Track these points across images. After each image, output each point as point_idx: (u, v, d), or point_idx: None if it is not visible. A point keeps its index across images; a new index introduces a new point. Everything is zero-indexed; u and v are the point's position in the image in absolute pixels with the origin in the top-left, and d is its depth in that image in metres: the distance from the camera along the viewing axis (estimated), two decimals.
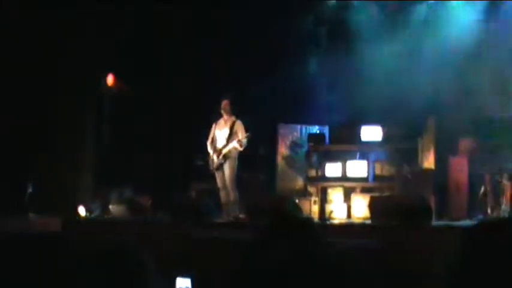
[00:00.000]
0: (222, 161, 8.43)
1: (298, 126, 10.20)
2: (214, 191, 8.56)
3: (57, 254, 1.66)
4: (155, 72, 10.12)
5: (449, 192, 8.20)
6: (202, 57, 10.03)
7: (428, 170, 8.68)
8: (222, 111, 8.52)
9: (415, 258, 6.04)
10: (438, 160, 8.53)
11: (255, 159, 9.64)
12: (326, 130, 9.81)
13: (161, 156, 10.31)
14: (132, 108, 10.10)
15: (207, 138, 8.62)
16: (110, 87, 9.89)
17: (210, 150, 8.55)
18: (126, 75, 9.99)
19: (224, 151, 8.42)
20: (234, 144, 8.28)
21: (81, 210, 8.94)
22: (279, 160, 10.06)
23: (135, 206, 8.56)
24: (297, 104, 9.95)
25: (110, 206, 8.76)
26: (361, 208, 8.42)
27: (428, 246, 6.06)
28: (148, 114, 10.26)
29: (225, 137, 8.49)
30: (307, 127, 10.15)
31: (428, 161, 8.78)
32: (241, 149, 8.30)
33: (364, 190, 9.00)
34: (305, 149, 9.92)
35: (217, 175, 8.52)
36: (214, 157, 8.49)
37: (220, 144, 8.52)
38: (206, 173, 8.71)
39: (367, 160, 9.13)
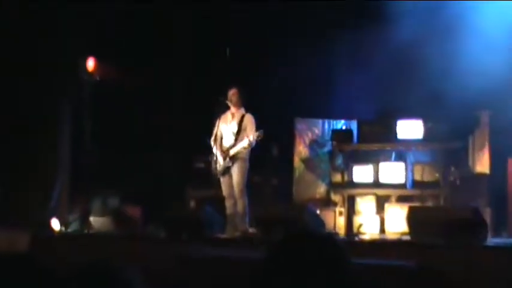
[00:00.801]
0: (230, 164, 8.34)
1: (320, 121, 10.23)
2: (218, 200, 8.54)
3: (24, 279, 1.65)
4: (148, 56, 10.08)
5: (508, 202, 8.18)
6: (205, 39, 10.12)
7: (482, 175, 8.70)
8: (229, 103, 8.42)
9: (465, 285, 5.96)
10: (494, 162, 8.54)
11: (267, 161, 9.74)
12: (354, 125, 9.81)
13: (154, 158, 10.28)
14: (119, 99, 10.03)
15: (210, 136, 8.55)
16: (91, 74, 9.81)
17: (214, 150, 8.47)
18: (112, 59, 9.91)
19: (232, 152, 8.34)
20: (244, 143, 8.21)
21: (55, 224, 8.91)
22: (296, 162, 10.10)
23: (122, 218, 8.58)
24: (318, 94, 9.92)
25: (91, 218, 8.72)
26: (397, 221, 8.46)
27: (482, 269, 5.99)
28: (138, 107, 10.26)
29: (233, 133, 8.41)
30: (331, 122, 10.20)
31: (482, 164, 8.80)
32: (248, 147, 8.23)
33: (401, 199, 9.02)
34: (328, 148, 9.98)
35: (223, 180, 8.43)
36: (220, 159, 8.42)
37: (227, 143, 8.45)
38: (208, 178, 8.72)
39: (405, 162, 9.11)
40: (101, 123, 9.93)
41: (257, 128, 8.26)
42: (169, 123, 10.43)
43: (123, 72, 9.92)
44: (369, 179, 9.19)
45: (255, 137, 8.10)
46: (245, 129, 8.34)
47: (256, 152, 8.41)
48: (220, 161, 8.41)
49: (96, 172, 9.62)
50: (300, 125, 10.16)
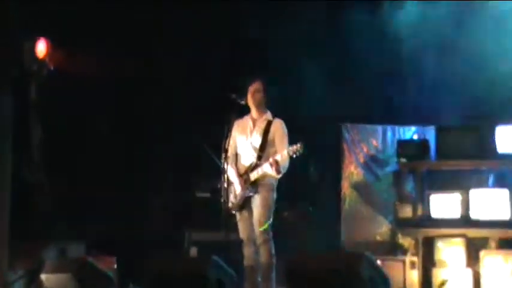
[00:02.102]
0: (250, 193, 8.12)
1: (379, 128, 10.42)
2: (231, 246, 8.20)
3: None
4: (127, 35, 10.15)
5: None
6: (211, 11, 10.21)
7: None
8: (249, 103, 8.21)
9: None
10: None
11: (302, 188, 9.86)
12: (430, 134, 9.85)
13: (136, 185, 10.32)
14: (84, 97, 9.99)
15: (219, 151, 8.25)
16: (41, 61, 9.72)
17: (227, 171, 8.17)
18: (73, 40, 9.84)
19: (254, 175, 8.09)
20: (267, 168, 7.97)
21: None
22: (346, 189, 10.34)
23: (89, 274, 8.10)
24: (376, 88, 10.02)
25: (43, 276, 8.28)
26: (499, 277, 8.56)
27: None
28: (112, 109, 10.34)
29: (254, 148, 8.21)
30: (396, 128, 10.38)
31: None
32: (278, 176, 8.01)
33: (504, 244, 8.99)
34: (392, 168, 10.13)
35: (240, 217, 8.23)
36: (236, 185, 8.25)
37: (246, 161, 8.25)
38: (217, 214, 8.33)
39: (510, 189, 9.11)
40: (56, 133, 9.90)
41: (291, 140, 8.03)
42: (159, 134, 10.51)
43: (90, 59, 9.95)
44: (455, 213, 9.22)
45: (291, 154, 7.80)
46: (272, 142, 8.13)
47: (287, 175, 8.09)
48: (237, 189, 8.21)
49: (50, 206, 9.63)
50: (351, 134, 10.34)
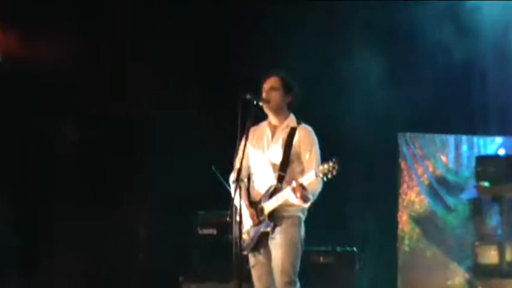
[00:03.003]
0: (267, 227, 7.55)
1: (451, 140, 10.39)
2: None
3: None
4: (101, 17, 10.31)
5: None
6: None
7: None
8: (264, 105, 7.63)
9: None
10: None
11: (343, 221, 9.95)
12: None
13: (116, 216, 10.27)
14: (44, 97, 10.05)
15: (227, 170, 7.91)
16: None
17: (237, 199, 7.58)
18: (28, 22, 9.99)
19: (272, 203, 7.49)
20: (289, 194, 7.35)
21: None
22: (404, 223, 10.39)
23: None
24: (448, 87, 10.04)
25: None
26: None
27: None
28: (83, 112, 10.42)
29: (273, 166, 7.67)
30: (473, 141, 10.39)
31: None
32: (304, 205, 7.40)
33: None
34: (469, 195, 10.11)
35: (255, 262, 7.65)
36: (248, 217, 7.70)
37: (262, 183, 7.71)
38: (225, 257, 7.74)
39: None
40: (6, 148, 10.03)
41: (325, 155, 7.30)
42: (150, 147, 10.55)
43: (53, 47, 10.05)
44: None
45: (321, 175, 7.09)
46: (298, 157, 7.55)
47: (320, 203, 7.53)
48: (249, 223, 7.68)
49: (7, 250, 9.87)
50: (411, 147, 10.38)
